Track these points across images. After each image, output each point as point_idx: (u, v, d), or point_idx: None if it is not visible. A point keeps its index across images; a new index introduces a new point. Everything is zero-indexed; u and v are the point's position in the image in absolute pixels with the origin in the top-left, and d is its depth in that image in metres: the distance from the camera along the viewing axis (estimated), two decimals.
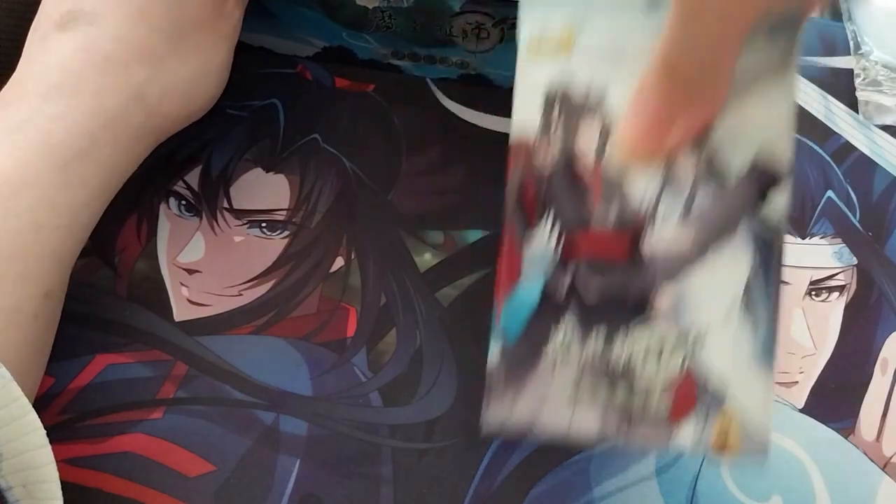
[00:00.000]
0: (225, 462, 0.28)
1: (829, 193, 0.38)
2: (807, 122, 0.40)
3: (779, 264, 0.23)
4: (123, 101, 0.28)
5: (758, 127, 0.23)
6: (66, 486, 0.28)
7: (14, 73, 0.29)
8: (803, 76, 0.43)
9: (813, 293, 0.34)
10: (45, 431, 0.22)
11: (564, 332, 0.22)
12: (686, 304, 0.22)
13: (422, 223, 0.35)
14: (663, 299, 0.22)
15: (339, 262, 0.34)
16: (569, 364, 0.22)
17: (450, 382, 0.31)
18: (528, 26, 0.24)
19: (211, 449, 0.29)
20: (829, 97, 0.42)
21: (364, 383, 0.31)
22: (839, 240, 0.36)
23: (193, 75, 0.31)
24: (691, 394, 0.22)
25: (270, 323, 0.32)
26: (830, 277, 0.35)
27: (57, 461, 0.28)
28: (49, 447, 0.22)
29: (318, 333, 0.32)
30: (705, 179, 0.23)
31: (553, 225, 0.23)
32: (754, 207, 0.23)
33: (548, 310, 0.22)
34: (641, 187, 0.23)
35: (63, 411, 0.29)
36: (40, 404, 0.29)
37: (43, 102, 0.27)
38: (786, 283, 0.34)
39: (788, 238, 0.36)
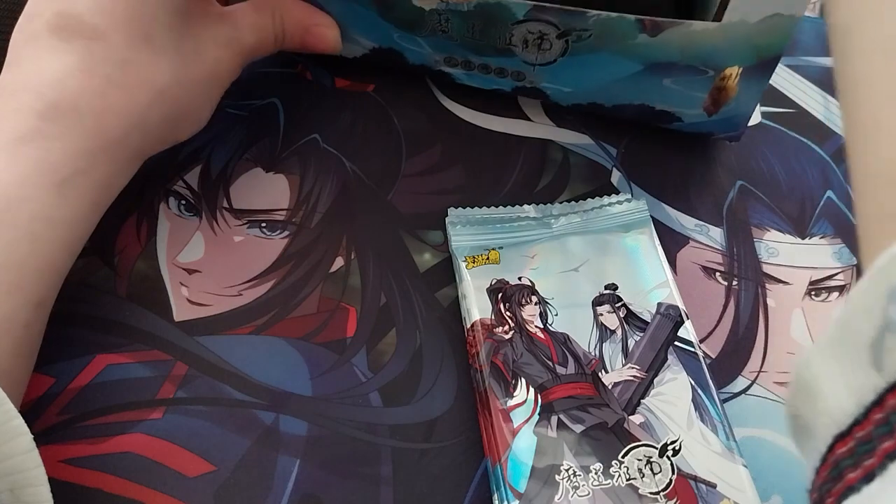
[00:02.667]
0: (225, 462, 0.28)
1: (829, 193, 0.38)
2: (807, 123, 0.41)
3: (708, 376, 0.29)
4: (124, 128, 0.28)
5: (651, 282, 0.31)
6: (66, 486, 0.28)
7: (5, 74, 0.29)
8: (803, 76, 0.43)
9: (812, 293, 0.34)
10: (31, 437, 0.22)
11: (568, 464, 0.26)
12: (653, 423, 0.28)
13: (422, 223, 0.35)
14: (634, 421, 0.28)
15: (339, 262, 0.34)
16: (580, 489, 0.26)
17: (450, 382, 0.31)
18: (461, 253, 0.32)
19: (211, 449, 0.29)
20: (829, 97, 0.42)
21: (364, 383, 0.31)
22: (839, 240, 0.36)
23: (192, 104, 0.31)
24: (689, 492, 0.26)
25: (270, 323, 0.32)
26: (830, 277, 0.35)
27: (57, 461, 0.28)
28: (36, 451, 0.22)
29: (318, 333, 0.32)
30: (630, 327, 0.30)
31: (528, 386, 0.28)
32: (673, 339, 0.30)
33: (547, 448, 0.27)
34: (585, 341, 0.30)
35: (63, 411, 0.29)
36: (40, 404, 0.29)
37: (41, 121, 0.27)
38: (786, 283, 0.35)
39: (789, 238, 0.36)
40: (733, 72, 0.33)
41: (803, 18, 0.35)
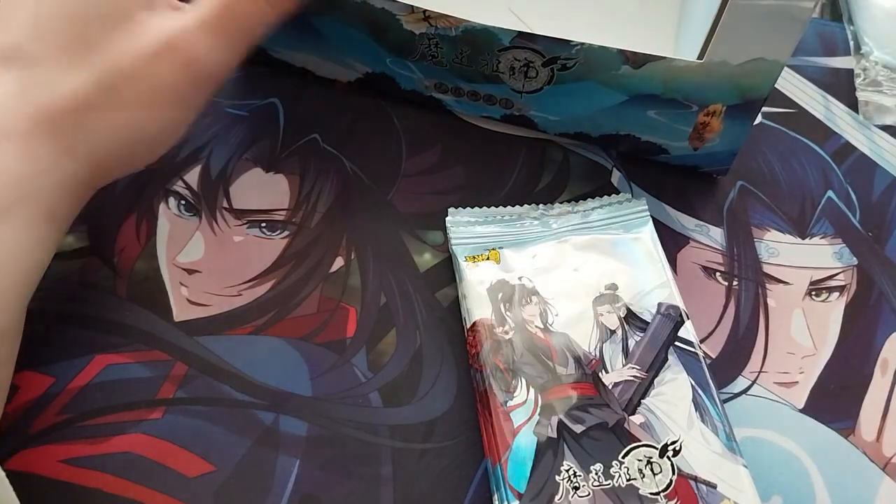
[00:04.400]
0: (224, 462, 0.28)
1: (829, 193, 0.38)
2: (807, 123, 0.40)
3: (708, 376, 0.29)
4: (54, 153, 0.27)
5: (651, 282, 0.31)
6: (65, 486, 0.28)
7: None
8: (803, 76, 0.43)
9: (813, 293, 0.34)
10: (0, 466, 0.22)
11: (568, 465, 0.26)
12: (653, 423, 0.28)
13: (422, 223, 0.35)
14: (634, 421, 0.28)
15: (339, 262, 0.34)
16: (580, 490, 0.26)
17: (450, 382, 0.31)
18: (461, 253, 0.33)
19: (210, 449, 0.29)
20: (830, 97, 0.42)
21: (364, 383, 0.31)
22: (839, 240, 0.36)
23: (143, 131, 0.29)
24: (690, 492, 0.26)
25: (270, 323, 0.32)
26: (830, 277, 0.35)
27: (56, 461, 0.28)
28: (6, 480, 0.22)
29: (318, 333, 0.32)
30: (630, 328, 0.30)
31: (528, 386, 0.28)
32: (674, 339, 0.30)
33: (547, 449, 0.27)
34: (585, 341, 0.30)
35: (62, 411, 0.29)
36: (39, 404, 0.29)
37: None
38: (786, 283, 0.34)
39: (790, 238, 0.36)
40: (717, 108, 0.34)
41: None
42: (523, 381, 0.28)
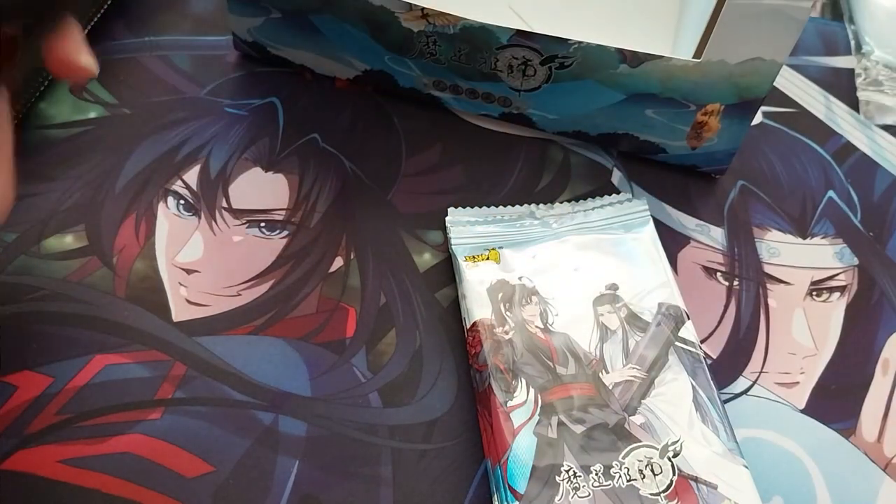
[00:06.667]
0: (224, 463, 0.28)
1: (830, 193, 0.38)
2: (808, 122, 0.40)
3: (709, 376, 0.29)
4: None
5: (651, 282, 0.31)
6: (63, 486, 0.27)
7: None
8: (804, 76, 0.42)
9: (814, 293, 0.34)
10: None
11: (568, 465, 0.26)
12: (654, 423, 0.27)
13: (422, 223, 0.35)
14: (634, 422, 0.27)
15: (339, 261, 0.34)
16: (581, 490, 0.26)
17: (450, 382, 0.31)
18: (461, 253, 0.32)
19: (210, 450, 0.29)
20: (830, 97, 0.42)
21: (364, 384, 0.30)
22: (840, 240, 0.36)
23: None
24: (690, 493, 0.26)
25: (269, 323, 0.32)
26: (831, 278, 0.35)
27: (55, 461, 0.28)
28: None
29: (318, 333, 0.32)
30: (630, 328, 0.30)
31: (528, 386, 0.28)
32: (674, 339, 0.30)
33: (548, 449, 0.27)
34: (585, 341, 0.30)
35: (61, 411, 0.29)
36: (38, 404, 0.29)
37: None
38: (787, 283, 0.34)
39: (790, 238, 0.36)
40: (715, 108, 0.34)
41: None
42: (523, 381, 0.28)
